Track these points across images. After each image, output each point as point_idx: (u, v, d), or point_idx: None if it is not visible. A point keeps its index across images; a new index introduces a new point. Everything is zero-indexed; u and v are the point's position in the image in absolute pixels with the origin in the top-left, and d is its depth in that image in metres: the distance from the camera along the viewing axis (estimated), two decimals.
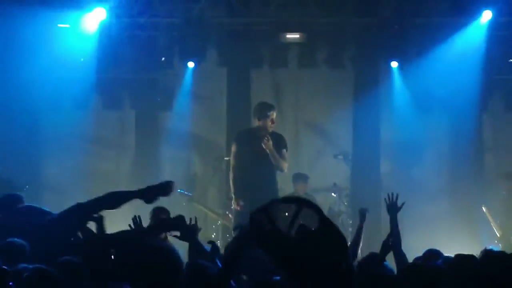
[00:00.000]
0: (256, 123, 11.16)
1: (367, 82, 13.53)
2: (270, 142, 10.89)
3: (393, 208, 7.16)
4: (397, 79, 13.28)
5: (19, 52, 13.31)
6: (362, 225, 7.72)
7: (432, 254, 6.67)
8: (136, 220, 7.32)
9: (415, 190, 13.19)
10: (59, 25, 12.78)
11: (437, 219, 13.40)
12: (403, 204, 7.22)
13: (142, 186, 13.26)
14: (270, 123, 11.00)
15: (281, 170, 11.17)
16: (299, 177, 13.15)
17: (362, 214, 7.75)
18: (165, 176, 13.82)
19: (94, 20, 12.84)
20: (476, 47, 12.92)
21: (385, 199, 7.30)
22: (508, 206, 12.79)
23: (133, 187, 13.43)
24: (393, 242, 6.71)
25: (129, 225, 7.06)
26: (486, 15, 12.60)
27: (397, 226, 7.01)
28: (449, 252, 7.33)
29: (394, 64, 13.10)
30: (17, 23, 13.12)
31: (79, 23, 12.79)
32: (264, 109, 11.14)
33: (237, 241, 4.43)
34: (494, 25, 12.71)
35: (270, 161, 10.95)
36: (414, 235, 11.53)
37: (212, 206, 13.21)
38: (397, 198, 7.18)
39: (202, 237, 9.86)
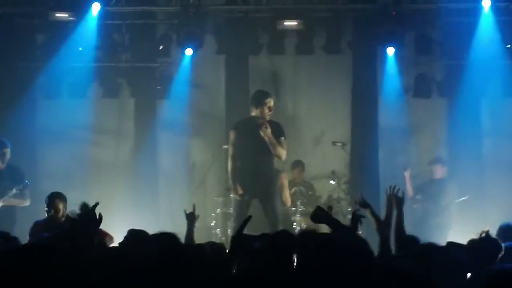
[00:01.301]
0: (253, 111, 11.17)
1: (365, 68, 13.54)
2: (269, 130, 10.89)
3: (397, 201, 6.97)
4: (394, 65, 13.27)
5: (17, 41, 13.33)
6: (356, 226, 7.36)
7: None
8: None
9: (413, 176, 13.21)
10: (56, 14, 12.74)
11: None
12: (403, 195, 7.09)
13: (141, 174, 13.49)
14: (267, 111, 11.01)
15: (280, 158, 11.18)
16: (297, 164, 13.17)
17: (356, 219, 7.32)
18: (164, 164, 13.90)
19: (92, 9, 12.81)
20: (474, 32, 12.91)
21: (386, 190, 7.12)
22: None
23: (132, 175, 13.62)
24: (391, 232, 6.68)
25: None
26: (485, 3, 12.57)
27: (402, 221, 6.85)
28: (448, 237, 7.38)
29: (391, 50, 13.07)
30: (14, 12, 13.14)
31: (77, 12, 12.76)
32: (260, 96, 11.16)
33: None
34: (492, 11, 12.69)
35: (268, 149, 10.96)
36: (413, 223, 11.55)
37: (211, 194, 13.23)
38: (398, 191, 7.00)
39: (201, 225, 9.98)
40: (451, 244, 6.15)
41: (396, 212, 6.82)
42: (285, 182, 12.30)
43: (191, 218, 7.65)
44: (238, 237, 5.62)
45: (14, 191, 11.06)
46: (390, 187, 7.00)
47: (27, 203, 11.25)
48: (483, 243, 6.32)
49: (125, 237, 6.38)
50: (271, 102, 11.08)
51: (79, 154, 13.57)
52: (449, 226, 12.51)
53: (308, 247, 4.92)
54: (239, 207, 11.07)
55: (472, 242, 6.40)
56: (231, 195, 11.41)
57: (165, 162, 13.95)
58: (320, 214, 6.39)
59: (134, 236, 6.32)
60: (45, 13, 12.80)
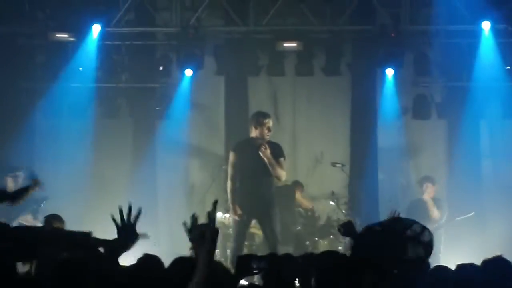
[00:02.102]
0: (253, 132, 11.19)
1: (364, 89, 13.57)
2: (268, 151, 10.91)
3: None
4: (393, 86, 13.30)
5: (17, 61, 13.37)
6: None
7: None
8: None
9: (413, 197, 13.22)
10: (57, 35, 12.79)
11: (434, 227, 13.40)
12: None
13: (140, 194, 13.49)
14: (266, 131, 11.03)
15: (279, 178, 11.20)
16: (295, 185, 13.17)
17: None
18: (163, 184, 13.89)
19: (92, 30, 12.87)
20: (473, 54, 12.96)
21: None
22: None
23: (131, 196, 13.60)
24: None
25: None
26: (485, 25, 12.63)
27: None
28: (446, 260, 7.37)
29: (390, 71, 13.11)
30: (14, 32, 13.19)
31: (78, 33, 12.81)
32: (259, 117, 11.18)
33: None
34: (492, 32, 12.74)
35: (268, 170, 10.98)
36: None
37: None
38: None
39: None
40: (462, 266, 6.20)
41: None
42: (298, 195, 12.44)
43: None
44: (244, 257, 5.63)
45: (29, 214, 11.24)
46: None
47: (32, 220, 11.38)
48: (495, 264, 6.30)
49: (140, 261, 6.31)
50: (269, 122, 11.11)
51: (79, 174, 13.55)
52: (439, 248, 12.24)
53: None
54: (238, 227, 11.07)
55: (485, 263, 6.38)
56: (229, 216, 11.42)
57: (164, 182, 13.94)
58: (350, 229, 6.31)
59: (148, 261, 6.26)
60: (46, 34, 12.87)
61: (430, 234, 4.52)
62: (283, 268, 5.60)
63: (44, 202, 11.50)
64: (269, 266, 5.39)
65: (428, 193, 12.84)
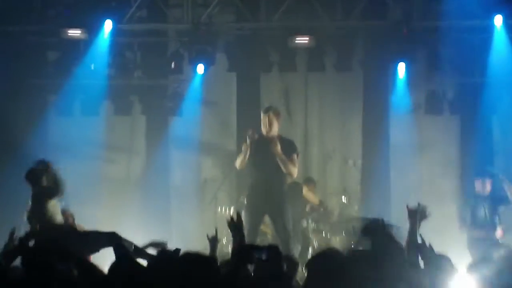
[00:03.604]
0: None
1: (376, 85, 13.55)
2: (278, 146, 10.88)
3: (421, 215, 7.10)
4: (405, 82, 13.27)
5: (29, 59, 13.40)
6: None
7: None
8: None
9: (425, 193, 13.18)
10: (69, 32, 12.81)
11: (446, 222, 13.37)
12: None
13: (152, 191, 13.50)
14: (264, 127, 10.93)
15: (291, 175, 11.16)
16: (308, 181, 13.16)
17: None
18: (175, 181, 13.92)
19: (104, 26, 12.88)
20: (485, 50, 12.91)
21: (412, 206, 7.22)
22: None
23: (143, 192, 13.63)
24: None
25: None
26: (498, 20, 12.57)
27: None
28: (457, 255, 7.35)
29: (402, 67, 13.08)
30: (26, 30, 13.21)
31: (90, 30, 12.83)
32: (261, 113, 11.15)
33: None
34: (504, 28, 12.69)
35: (278, 166, 10.95)
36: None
37: (222, 210, 13.20)
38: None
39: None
40: None
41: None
42: (305, 191, 12.49)
43: (213, 241, 7.69)
44: (244, 248, 5.72)
45: None
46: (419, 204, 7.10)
47: None
48: None
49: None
50: (267, 117, 11.00)
51: (91, 171, 13.59)
52: None
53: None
54: (250, 224, 11.05)
55: None
56: (242, 211, 11.39)
57: (177, 179, 13.96)
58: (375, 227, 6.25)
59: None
60: (57, 31, 12.87)
61: None
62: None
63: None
64: (269, 257, 5.53)
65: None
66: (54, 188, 9.28)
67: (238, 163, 10.96)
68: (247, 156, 10.85)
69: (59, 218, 9.23)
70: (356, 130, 13.82)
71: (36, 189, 9.27)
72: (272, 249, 5.85)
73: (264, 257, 5.48)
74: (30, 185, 9.38)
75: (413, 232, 6.93)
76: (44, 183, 9.42)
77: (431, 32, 13.05)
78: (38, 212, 9.12)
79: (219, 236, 7.66)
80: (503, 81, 13.08)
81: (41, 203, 9.17)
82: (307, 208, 12.77)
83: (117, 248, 6.09)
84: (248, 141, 10.72)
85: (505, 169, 13.29)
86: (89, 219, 12.08)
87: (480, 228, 11.81)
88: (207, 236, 7.78)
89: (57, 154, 13.43)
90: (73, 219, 9.71)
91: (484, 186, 11.98)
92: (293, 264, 6.47)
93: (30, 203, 9.42)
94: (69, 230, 8.97)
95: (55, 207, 9.23)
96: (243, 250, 5.51)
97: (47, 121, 13.58)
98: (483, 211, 11.94)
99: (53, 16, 13.19)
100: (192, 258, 5.20)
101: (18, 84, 13.24)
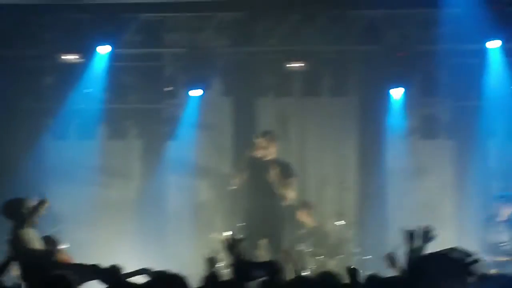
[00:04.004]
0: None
1: (372, 109, 13.55)
2: (275, 170, 10.88)
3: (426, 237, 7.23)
4: (401, 106, 13.28)
5: (25, 83, 13.40)
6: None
7: None
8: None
9: (421, 218, 13.14)
10: (64, 56, 12.82)
11: (443, 247, 13.31)
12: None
13: (148, 215, 13.46)
14: (258, 151, 10.95)
15: (287, 198, 11.16)
16: (304, 205, 13.12)
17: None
18: (171, 205, 13.87)
19: (99, 51, 12.89)
20: (481, 74, 12.94)
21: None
22: None
23: (139, 216, 13.59)
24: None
25: None
26: (493, 44, 12.61)
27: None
28: None
29: (397, 91, 13.09)
30: (22, 54, 13.22)
31: (85, 54, 12.84)
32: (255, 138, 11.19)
33: None
34: (500, 52, 12.73)
35: (275, 190, 10.94)
36: None
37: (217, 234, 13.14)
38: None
39: None
40: None
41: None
42: (301, 215, 12.55)
43: (211, 262, 7.63)
44: (243, 264, 5.63)
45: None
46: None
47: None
48: None
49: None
50: (261, 142, 11.02)
51: (87, 195, 13.54)
52: None
53: None
54: (247, 246, 11.00)
55: None
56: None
57: (172, 203, 13.92)
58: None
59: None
60: (53, 55, 12.89)
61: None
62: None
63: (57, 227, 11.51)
64: (268, 274, 5.44)
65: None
66: (28, 217, 9.26)
67: (234, 182, 11.00)
68: (243, 178, 10.89)
69: (37, 244, 9.18)
70: (352, 154, 13.82)
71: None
72: (272, 265, 5.72)
73: (264, 273, 5.40)
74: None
75: (412, 253, 6.92)
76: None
77: (426, 56, 13.08)
78: (14, 238, 9.13)
79: (216, 258, 7.61)
80: (499, 105, 13.09)
81: (16, 229, 9.19)
82: (303, 232, 12.72)
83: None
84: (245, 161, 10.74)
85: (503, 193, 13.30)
86: (84, 243, 12.07)
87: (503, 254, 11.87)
88: (205, 256, 7.72)
89: (52, 178, 13.44)
90: (55, 246, 9.60)
91: (504, 210, 12.09)
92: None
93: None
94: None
95: (30, 234, 9.18)
96: (242, 267, 5.42)
97: (42, 145, 13.55)
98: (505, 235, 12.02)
99: (49, 40, 13.19)
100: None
101: (14, 107, 13.23)
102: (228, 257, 6.55)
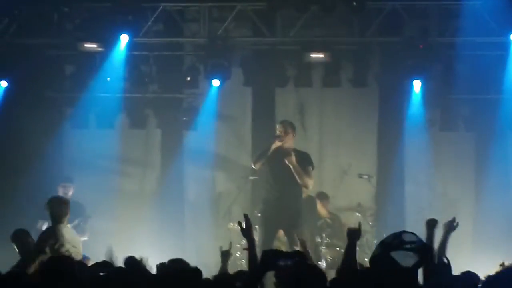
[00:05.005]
0: None
1: (392, 101, 13.53)
2: (293, 157, 10.90)
3: (449, 227, 7.61)
4: (421, 98, 13.24)
5: (46, 72, 13.46)
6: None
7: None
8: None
9: (439, 210, 13.14)
10: (85, 45, 12.87)
11: (461, 240, 13.30)
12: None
13: (167, 204, 13.51)
14: (276, 140, 11.02)
15: (306, 187, 11.18)
16: (321, 196, 13.13)
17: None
18: (190, 195, 13.93)
19: (120, 40, 12.93)
20: (501, 67, 12.88)
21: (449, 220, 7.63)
22: None
23: (158, 205, 13.65)
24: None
25: None
26: None
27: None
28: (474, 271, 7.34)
29: (417, 83, 13.05)
30: (43, 43, 13.28)
31: (106, 43, 12.88)
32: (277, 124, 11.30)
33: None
34: None
35: (294, 179, 10.95)
36: None
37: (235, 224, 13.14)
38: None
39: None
40: None
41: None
42: (318, 206, 12.65)
43: (225, 255, 7.68)
44: (270, 252, 5.57)
45: (76, 222, 11.33)
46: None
47: (85, 237, 11.42)
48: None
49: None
50: (281, 127, 11.14)
51: (106, 183, 13.62)
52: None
53: None
54: (264, 238, 11.05)
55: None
56: (257, 226, 11.39)
57: (191, 193, 13.98)
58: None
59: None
60: (74, 44, 12.94)
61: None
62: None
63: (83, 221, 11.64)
64: (295, 264, 5.39)
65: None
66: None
67: (256, 164, 11.05)
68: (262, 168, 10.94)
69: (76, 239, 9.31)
70: (371, 146, 13.81)
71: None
72: (298, 256, 5.65)
73: (289, 263, 5.32)
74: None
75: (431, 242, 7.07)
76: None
77: (447, 48, 13.05)
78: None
79: (232, 250, 7.66)
80: None
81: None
82: (320, 223, 12.74)
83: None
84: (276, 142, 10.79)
85: None
86: (103, 232, 12.16)
87: None
88: (220, 248, 7.78)
89: (72, 167, 13.53)
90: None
91: None
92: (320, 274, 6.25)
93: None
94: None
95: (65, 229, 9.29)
96: (267, 255, 5.36)
97: (62, 134, 13.63)
98: None
99: (70, 29, 13.26)
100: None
101: (35, 96, 13.29)
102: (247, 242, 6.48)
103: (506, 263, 7.66)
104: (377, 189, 13.57)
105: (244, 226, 6.54)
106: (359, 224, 6.79)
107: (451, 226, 7.66)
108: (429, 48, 12.73)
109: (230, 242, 7.81)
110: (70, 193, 12.17)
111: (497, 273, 6.40)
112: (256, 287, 5.28)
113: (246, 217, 6.70)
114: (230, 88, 13.55)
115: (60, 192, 12.06)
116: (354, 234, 6.50)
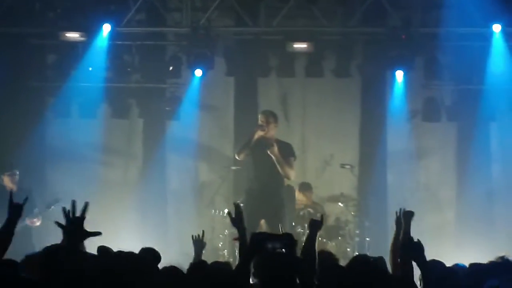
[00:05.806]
0: None
1: (374, 91, 13.57)
2: (276, 147, 10.91)
3: (406, 216, 7.23)
4: (403, 88, 13.27)
5: (28, 61, 13.40)
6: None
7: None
8: None
9: (422, 200, 13.20)
10: (67, 34, 12.81)
11: (443, 229, 13.40)
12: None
13: (149, 194, 13.49)
14: (261, 129, 11.04)
15: (288, 177, 11.20)
16: (304, 187, 13.15)
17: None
18: (172, 185, 13.92)
19: (102, 29, 12.88)
20: (483, 57, 12.93)
21: (396, 212, 7.33)
22: None
23: (140, 195, 13.63)
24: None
25: None
26: (496, 27, 12.59)
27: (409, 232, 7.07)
28: (453, 260, 7.38)
29: (400, 73, 13.08)
30: (25, 32, 13.21)
31: (88, 33, 12.82)
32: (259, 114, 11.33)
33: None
34: (502, 35, 12.71)
35: (276, 169, 10.97)
36: None
37: (219, 215, 13.15)
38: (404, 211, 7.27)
39: (208, 246, 9.97)
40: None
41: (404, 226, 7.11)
42: (301, 196, 12.73)
43: (198, 244, 7.57)
44: (259, 235, 5.55)
45: (36, 210, 11.61)
46: (397, 212, 7.29)
47: (39, 223, 11.49)
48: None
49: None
50: (263, 117, 11.17)
51: (88, 173, 13.58)
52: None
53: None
54: (247, 227, 11.03)
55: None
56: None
57: (174, 183, 13.97)
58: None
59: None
60: (56, 33, 12.87)
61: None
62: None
63: (55, 204, 11.59)
64: (284, 247, 5.37)
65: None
66: None
67: (239, 155, 11.06)
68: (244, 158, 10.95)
69: None
70: (354, 136, 13.84)
71: None
72: (287, 237, 5.62)
73: (279, 246, 5.31)
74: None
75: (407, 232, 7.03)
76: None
77: (429, 38, 13.08)
78: None
79: (214, 240, 7.61)
80: (501, 89, 13.10)
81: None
82: (303, 213, 12.76)
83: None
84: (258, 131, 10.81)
85: (503, 176, 13.34)
86: (86, 221, 12.10)
87: None
88: (192, 237, 7.65)
89: (54, 156, 13.48)
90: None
91: None
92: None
93: None
94: None
95: None
96: (256, 239, 5.34)
97: (45, 123, 13.57)
98: None
99: (52, 19, 13.18)
100: None
101: (17, 86, 13.23)
102: (236, 228, 6.44)
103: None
104: (360, 179, 13.61)
105: (233, 215, 6.50)
106: (322, 216, 6.85)
107: (407, 215, 7.27)
108: (412, 38, 12.75)
109: (203, 231, 7.71)
110: (17, 179, 12.01)
111: (489, 263, 6.47)
112: (248, 270, 5.26)
113: (237, 206, 6.66)
114: (212, 78, 13.54)
115: (7, 182, 11.96)
116: (315, 225, 6.52)
